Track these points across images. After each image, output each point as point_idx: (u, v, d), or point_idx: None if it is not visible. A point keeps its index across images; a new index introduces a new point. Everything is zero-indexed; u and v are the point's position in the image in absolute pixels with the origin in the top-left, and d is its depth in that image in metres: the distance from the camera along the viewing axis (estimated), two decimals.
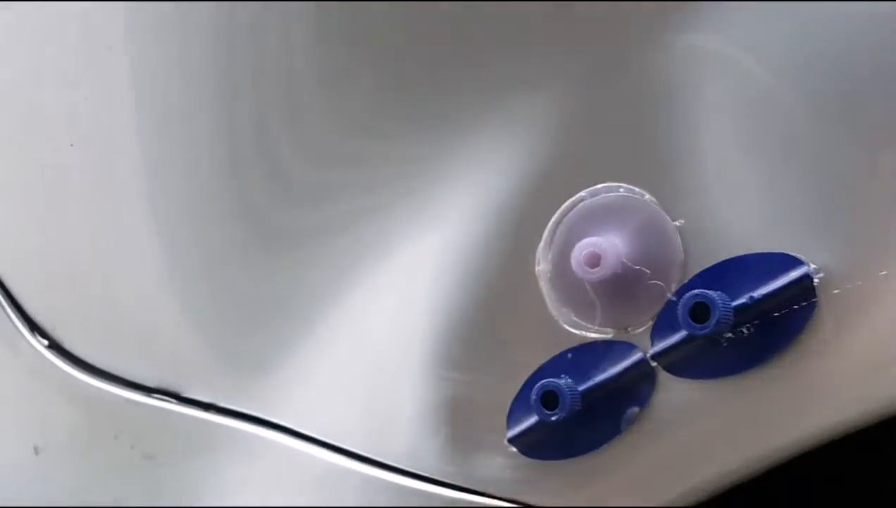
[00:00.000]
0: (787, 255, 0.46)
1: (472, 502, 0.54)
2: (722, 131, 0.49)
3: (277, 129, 0.59)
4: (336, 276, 0.58)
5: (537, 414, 0.50)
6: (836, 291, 0.45)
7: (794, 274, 0.46)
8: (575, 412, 0.49)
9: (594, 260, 0.48)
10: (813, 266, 0.45)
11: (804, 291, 0.45)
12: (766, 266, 0.46)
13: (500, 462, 0.54)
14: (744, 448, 0.48)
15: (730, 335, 0.46)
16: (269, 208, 0.60)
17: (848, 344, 0.45)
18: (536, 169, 0.53)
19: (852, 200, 0.45)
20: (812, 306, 0.45)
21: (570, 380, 0.50)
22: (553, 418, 0.49)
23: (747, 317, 0.46)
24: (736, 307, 0.46)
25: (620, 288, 0.49)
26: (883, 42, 0.45)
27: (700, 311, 0.45)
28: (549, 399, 0.49)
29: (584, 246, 0.48)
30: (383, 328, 0.57)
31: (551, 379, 0.49)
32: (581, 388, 0.50)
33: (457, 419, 0.55)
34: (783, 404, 0.47)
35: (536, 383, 0.51)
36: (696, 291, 0.46)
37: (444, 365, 0.55)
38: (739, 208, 0.48)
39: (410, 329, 0.56)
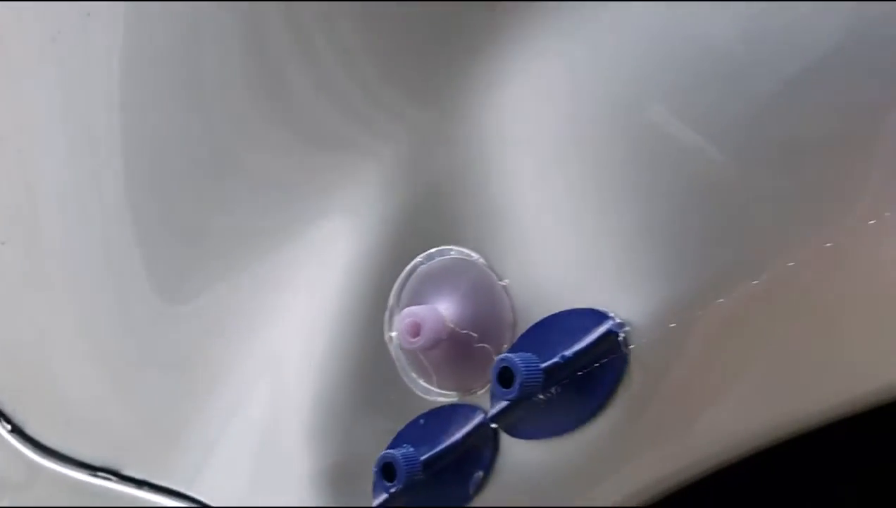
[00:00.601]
0: (595, 310, 0.45)
1: None
2: (535, 187, 0.48)
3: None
4: (221, 350, 0.60)
5: (378, 486, 0.50)
6: (632, 346, 0.44)
7: (601, 329, 0.45)
8: (415, 481, 0.49)
9: (415, 329, 0.48)
10: (618, 320, 0.44)
11: (611, 346, 0.44)
12: (579, 323, 0.45)
13: None
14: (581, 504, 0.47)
15: (541, 396, 0.45)
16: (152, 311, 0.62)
17: (658, 398, 0.44)
18: (381, 237, 0.53)
19: (651, 251, 0.44)
20: (622, 361, 0.44)
21: (410, 449, 0.50)
22: (392, 489, 0.49)
23: (561, 376, 0.45)
24: (547, 368, 0.45)
25: (452, 353, 0.49)
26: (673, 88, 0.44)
27: (507, 375, 0.45)
28: (388, 471, 0.49)
29: (405, 316, 0.48)
30: (263, 401, 0.58)
31: (389, 450, 0.50)
32: (424, 456, 0.49)
33: (337, 490, 0.56)
34: (610, 459, 0.46)
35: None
36: (501, 355, 0.45)
37: (318, 436, 0.55)
38: (556, 263, 0.47)
39: (287, 403, 0.57)
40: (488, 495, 0.49)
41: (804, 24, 0.39)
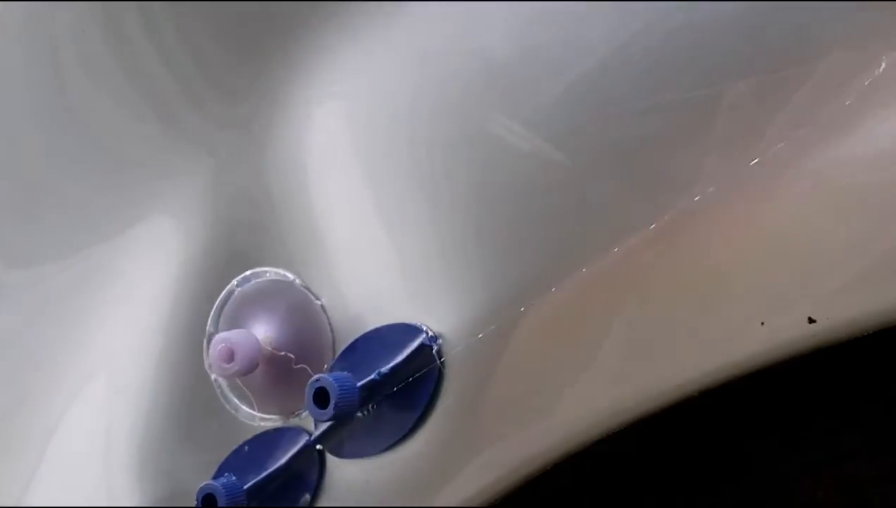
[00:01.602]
0: (409, 324, 0.45)
1: None
2: (346, 205, 0.48)
3: None
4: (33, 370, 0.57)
5: None
6: (444, 358, 0.44)
7: (415, 343, 0.45)
8: None
9: (228, 355, 0.47)
10: (431, 333, 0.44)
11: (426, 359, 0.44)
12: (395, 338, 0.45)
13: None
14: None
15: (360, 414, 0.45)
16: None
17: (476, 405, 0.44)
18: (194, 264, 0.52)
19: (456, 264, 0.44)
20: (438, 373, 0.44)
21: (233, 478, 0.48)
22: None
23: (379, 393, 0.45)
24: (364, 385, 0.45)
25: (271, 376, 0.48)
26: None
27: (323, 395, 0.44)
28: (209, 504, 0.48)
29: (216, 342, 0.47)
30: (87, 428, 0.56)
31: (210, 482, 0.48)
32: (247, 485, 0.48)
33: None
34: (434, 472, 0.46)
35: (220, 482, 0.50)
36: (315, 376, 0.45)
37: (144, 467, 0.53)
38: (370, 280, 0.47)
39: (118, 423, 0.55)
40: None
41: (570, 37, 0.40)
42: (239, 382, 0.49)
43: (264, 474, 0.49)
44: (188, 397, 0.52)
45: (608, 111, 0.39)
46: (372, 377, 0.45)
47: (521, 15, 0.41)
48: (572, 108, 0.40)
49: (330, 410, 0.44)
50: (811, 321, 0.37)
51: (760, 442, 0.55)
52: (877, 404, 0.52)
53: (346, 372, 0.45)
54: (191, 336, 0.52)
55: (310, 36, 0.49)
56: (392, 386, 0.45)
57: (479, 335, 0.43)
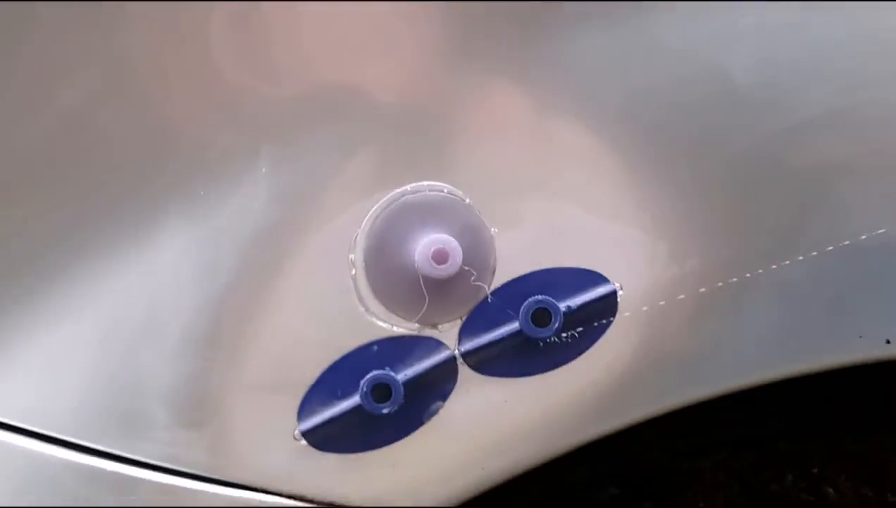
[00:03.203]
0: (596, 272, 0.52)
1: (247, 499, 0.50)
2: (546, 157, 0.52)
3: None
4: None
5: (367, 407, 0.48)
6: (627, 313, 0.52)
7: (602, 290, 0.52)
8: (398, 407, 0.49)
9: (443, 257, 0.48)
10: (616, 285, 0.52)
11: (608, 307, 0.52)
12: (577, 280, 0.52)
13: (282, 456, 0.50)
14: (534, 443, 0.52)
15: (554, 339, 0.50)
16: None
17: (625, 360, 0.52)
18: (362, 158, 0.51)
19: (657, 234, 0.52)
20: (609, 323, 0.52)
21: (391, 373, 0.49)
22: (384, 411, 0.48)
23: (566, 325, 0.51)
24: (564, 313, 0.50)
25: (448, 285, 0.50)
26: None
27: (541, 315, 0.49)
28: (381, 392, 0.48)
29: (434, 242, 0.48)
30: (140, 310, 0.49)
31: (383, 371, 0.48)
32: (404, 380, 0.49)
33: (229, 410, 0.50)
34: (570, 406, 0.53)
35: (338, 373, 0.50)
36: (538, 296, 0.49)
37: (209, 349, 0.49)
38: (552, 224, 0.52)
39: (175, 312, 0.49)
40: (437, 424, 0.51)
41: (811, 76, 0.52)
42: (421, 282, 0.50)
43: (408, 374, 0.50)
44: (305, 283, 0.51)
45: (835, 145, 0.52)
46: (563, 309, 0.51)
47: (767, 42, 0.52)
48: (800, 137, 0.52)
49: (551, 329, 0.49)
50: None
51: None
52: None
53: (542, 296, 0.50)
54: (340, 232, 0.51)
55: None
56: (573, 322, 0.51)
57: (661, 303, 0.52)
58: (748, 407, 0.72)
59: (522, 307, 0.49)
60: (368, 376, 0.48)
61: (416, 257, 0.49)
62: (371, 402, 0.48)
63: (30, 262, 0.49)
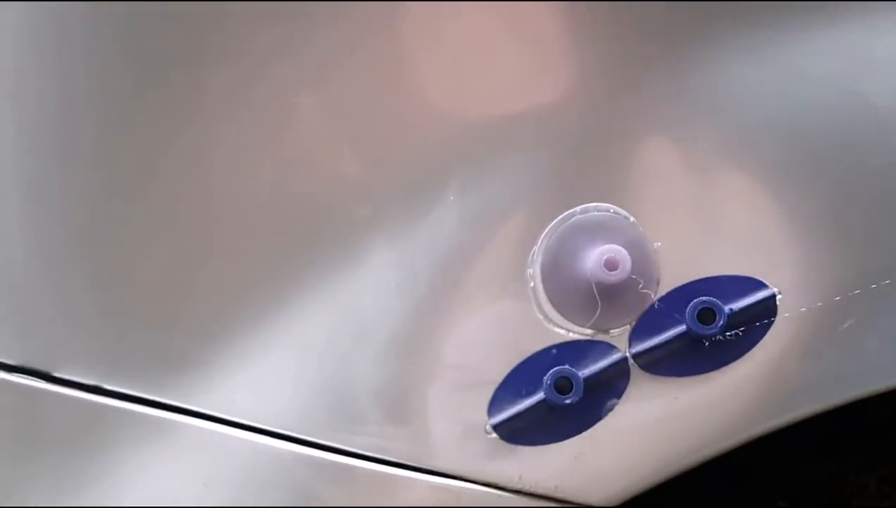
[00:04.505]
0: (755, 279, 0.57)
1: (447, 486, 0.56)
2: (703, 173, 0.58)
3: None
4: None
5: (549, 398, 0.54)
6: (787, 314, 0.57)
7: (761, 294, 0.56)
8: (579, 398, 0.55)
9: (614, 264, 0.54)
10: (776, 289, 0.57)
11: (767, 310, 0.56)
12: (736, 286, 0.57)
13: (476, 448, 0.57)
14: (702, 438, 0.57)
15: (719, 337, 0.55)
16: None
17: (786, 360, 0.57)
18: (536, 184, 0.58)
19: (816, 238, 0.57)
20: (769, 324, 0.57)
21: (572, 369, 0.55)
22: (567, 401, 0.54)
23: (728, 325, 0.56)
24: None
25: (618, 293, 0.56)
26: None
27: (706, 315, 0.54)
28: (563, 385, 0.54)
29: (605, 251, 0.55)
30: (363, 309, 0.57)
31: (565, 366, 0.55)
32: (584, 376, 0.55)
33: (429, 407, 0.57)
34: (734, 404, 0.57)
35: (522, 374, 0.56)
36: (703, 298, 0.54)
37: (410, 354, 0.57)
38: (712, 237, 0.58)
39: (391, 315, 0.57)
40: (612, 421, 0.57)
41: None
42: (594, 290, 0.56)
43: (584, 373, 0.56)
44: (494, 294, 0.58)
45: None
46: (726, 311, 0.56)
47: None
48: None
49: (716, 327, 0.54)
50: None
51: None
52: None
53: (706, 297, 0.55)
54: (519, 249, 0.58)
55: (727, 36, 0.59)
56: (734, 325, 0.56)
57: (819, 304, 0.57)
58: None
59: (688, 308, 0.55)
60: (551, 371, 0.55)
61: (588, 266, 0.55)
62: (554, 394, 0.54)
63: (265, 286, 0.58)
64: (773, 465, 0.77)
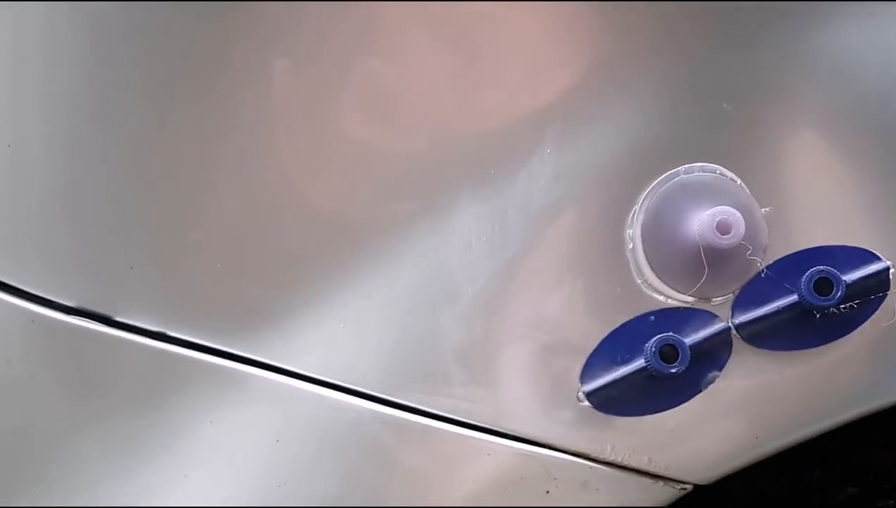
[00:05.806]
0: (868, 250, 0.54)
1: (533, 453, 0.53)
2: (815, 138, 0.55)
3: None
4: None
5: (654, 366, 0.51)
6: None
7: (875, 267, 0.53)
8: (685, 368, 0.51)
9: (727, 227, 0.51)
10: (889, 262, 0.53)
11: (880, 283, 0.53)
12: (849, 257, 0.53)
13: (566, 415, 0.53)
14: (805, 416, 0.54)
15: (833, 310, 0.52)
16: None
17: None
18: (637, 140, 0.54)
19: None
20: (882, 298, 0.53)
21: (677, 336, 0.52)
22: (673, 370, 0.51)
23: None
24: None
25: (726, 259, 0.53)
26: None
27: (823, 285, 0.51)
28: (668, 353, 0.51)
29: (718, 213, 0.51)
30: (450, 270, 0.54)
31: (670, 334, 0.51)
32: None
33: (517, 371, 0.54)
34: (842, 381, 0.54)
35: (618, 340, 0.53)
36: (820, 267, 0.51)
37: (498, 314, 0.53)
38: (823, 205, 0.54)
39: (480, 275, 0.54)
40: (714, 394, 0.54)
41: None
42: (702, 254, 0.52)
43: (693, 340, 0.53)
44: (590, 257, 0.54)
45: None
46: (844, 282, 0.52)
47: None
48: None
49: (833, 298, 0.51)
50: None
51: None
52: None
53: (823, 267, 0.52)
54: (617, 209, 0.54)
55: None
56: (847, 297, 0.53)
57: None
58: None
59: (804, 277, 0.51)
60: (655, 338, 0.51)
61: (697, 228, 0.51)
62: (659, 362, 0.51)
63: (349, 237, 0.54)
64: (838, 453, 0.74)
